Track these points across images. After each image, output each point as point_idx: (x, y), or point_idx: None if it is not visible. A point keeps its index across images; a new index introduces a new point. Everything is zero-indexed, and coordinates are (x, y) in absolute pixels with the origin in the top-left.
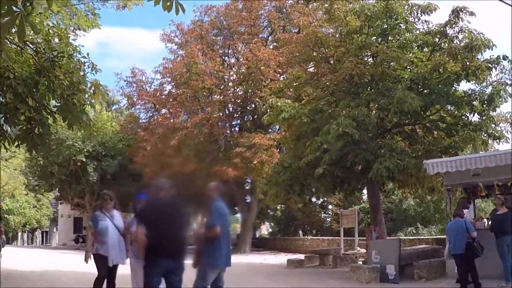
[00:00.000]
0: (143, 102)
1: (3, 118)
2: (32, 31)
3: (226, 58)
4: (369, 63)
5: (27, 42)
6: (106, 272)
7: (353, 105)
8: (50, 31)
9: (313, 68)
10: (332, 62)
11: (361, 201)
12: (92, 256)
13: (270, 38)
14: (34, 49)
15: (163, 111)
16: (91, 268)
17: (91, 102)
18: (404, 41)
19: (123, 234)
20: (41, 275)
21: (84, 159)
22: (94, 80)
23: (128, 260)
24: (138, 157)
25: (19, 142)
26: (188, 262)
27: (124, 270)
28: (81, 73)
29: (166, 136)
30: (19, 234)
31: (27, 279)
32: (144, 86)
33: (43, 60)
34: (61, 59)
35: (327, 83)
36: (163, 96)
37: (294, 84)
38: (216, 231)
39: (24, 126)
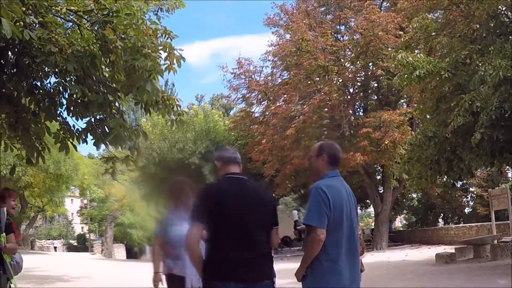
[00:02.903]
0: (254, 94)
1: (66, 109)
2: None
3: (339, 35)
4: None
5: (80, 13)
6: None
7: (508, 47)
8: None
9: (440, 18)
10: (463, 5)
11: (509, 178)
12: (163, 277)
13: (383, 5)
14: (88, 19)
15: (277, 100)
16: None
17: (159, 69)
18: None
19: None
20: None
21: (197, 161)
22: (166, 43)
23: None
24: (254, 154)
25: (85, 136)
26: None
27: None
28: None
29: (282, 126)
30: (147, 248)
31: None
32: (252, 76)
33: (91, 24)
34: (113, 19)
35: (464, 30)
36: (275, 83)
37: (423, 37)
38: (315, 234)
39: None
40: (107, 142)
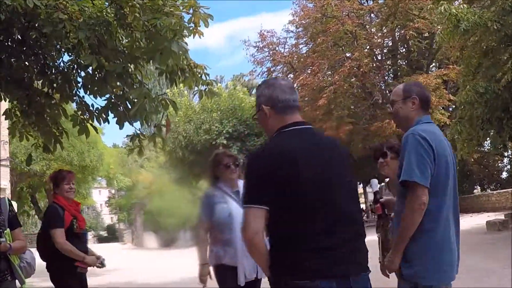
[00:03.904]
0: (279, 67)
1: (82, 87)
2: None
3: (363, 0)
4: None
5: None
6: None
7: None
8: None
9: None
10: None
11: None
12: (212, 270)
13: None
14: None
15: (303, 71)
16: None
17: (187, 29)
18: None
19: None
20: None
21: (225, 142)
22: (189, 1)
23: None
24: None
25: (106, 114)
26: None
27: None
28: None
29: (313, 98)
30: (180, 233)
31: None
32: (276, 48)
33: None
34: None
35: None
36: (300, 54)
37: None
38: (415, 196)
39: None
40: (131, 120)
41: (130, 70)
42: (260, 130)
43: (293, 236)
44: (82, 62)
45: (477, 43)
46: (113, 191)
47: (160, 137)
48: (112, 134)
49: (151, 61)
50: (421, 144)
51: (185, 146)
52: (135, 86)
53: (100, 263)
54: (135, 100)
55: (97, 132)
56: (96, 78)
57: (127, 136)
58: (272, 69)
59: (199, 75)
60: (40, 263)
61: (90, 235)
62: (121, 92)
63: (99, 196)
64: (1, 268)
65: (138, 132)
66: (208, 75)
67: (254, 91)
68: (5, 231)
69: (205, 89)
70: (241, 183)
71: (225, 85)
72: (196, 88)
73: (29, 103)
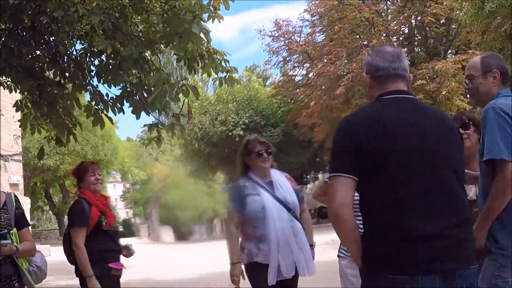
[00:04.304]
0: (295, 56)
1: (96, 76)
2: None
3: None
4: None
5: None
6: None
7: None
8: None
9: None
10: None
11: None
12: (243, 268)
13: None
14: None
15: (320, 60)
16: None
17: (209, 11)
18: None
19: (303, 213)
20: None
21: (241, 133)
22: None
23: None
24: (302, 119)
25: (121, 104)
26: None
27: None
28: None
29: (331, 87)
30: (196, 226)
31: None
32: (292, 37)
33: None
34: None
35: None
36: (317, 43)
37: None
38: (507, 172)
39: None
40: (148, 110)
41: (146, 56)
42: (276, 121)
43: (386, 219)
44: (96, 49)
45: (500, 26)
46: (128, 185)
47: (178, 126)
48: (126, 128)
49: (168, 47)
50: (504, 118)
51: (201, 138)
52: (152, 74)
53: (128, 252)
54: (152, 89)
55: (112, 123)
56: (110, 66)
57: (145, 125)
58: (288, 58)
59: (219, 62)
60: (55, 261)
61: None
62: (137, 80)
63: (113, 190)
64: (7, 273)
65: (157, 121)
66: (228, 61)
67: (268, 82)
68: (11, 231)
69: (225, 76)
70: (274, 173)
71: (239, 76)
72: (214, 76)
73: (41, 93)
